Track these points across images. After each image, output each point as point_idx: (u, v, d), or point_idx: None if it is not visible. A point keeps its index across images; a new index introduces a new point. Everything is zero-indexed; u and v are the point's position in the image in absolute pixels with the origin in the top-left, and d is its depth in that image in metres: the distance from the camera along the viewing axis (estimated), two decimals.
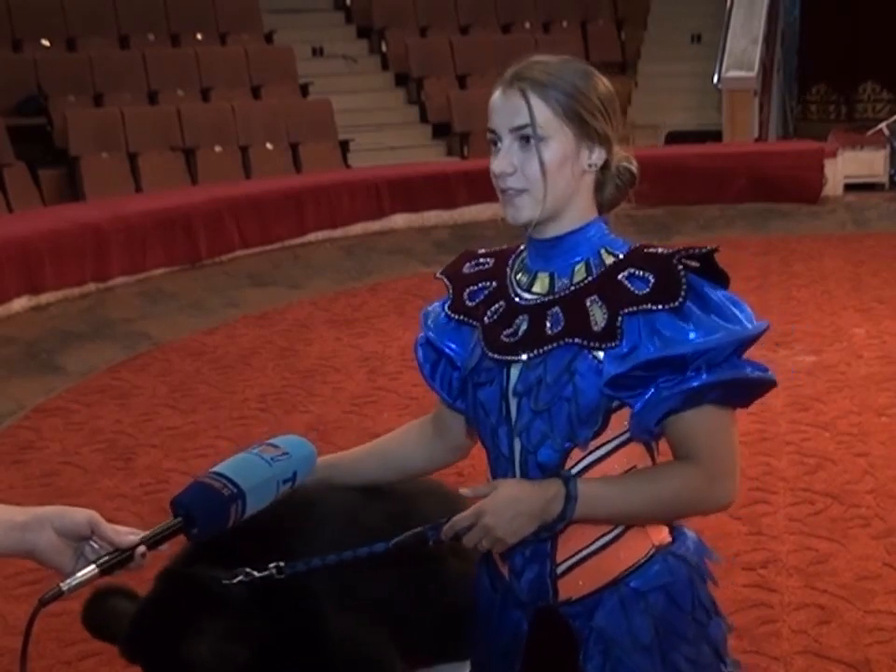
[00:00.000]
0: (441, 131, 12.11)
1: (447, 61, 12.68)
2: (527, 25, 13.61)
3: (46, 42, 11.29)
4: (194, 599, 1.78)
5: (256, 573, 1.75)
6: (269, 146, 10.80)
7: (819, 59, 13.72)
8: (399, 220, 9.83)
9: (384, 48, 13.02)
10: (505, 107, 1.66)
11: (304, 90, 11.98)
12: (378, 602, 1.94)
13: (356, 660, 1.92)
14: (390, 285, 8.37)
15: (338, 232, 9.47)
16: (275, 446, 1.77)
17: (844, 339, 6.50)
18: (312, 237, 9.28)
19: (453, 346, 1.82)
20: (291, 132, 10.96)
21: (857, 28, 13.47)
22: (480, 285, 1.80)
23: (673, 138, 12.39)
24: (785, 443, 4.90)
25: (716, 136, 12.03)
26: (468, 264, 1.86)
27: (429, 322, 1.87)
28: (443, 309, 1.85)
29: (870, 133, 11.53)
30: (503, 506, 1.60)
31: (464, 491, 1.67)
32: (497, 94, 1.68)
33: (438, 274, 1.89)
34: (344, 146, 11.21)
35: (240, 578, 1.75)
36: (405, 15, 13.18)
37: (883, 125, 11.45)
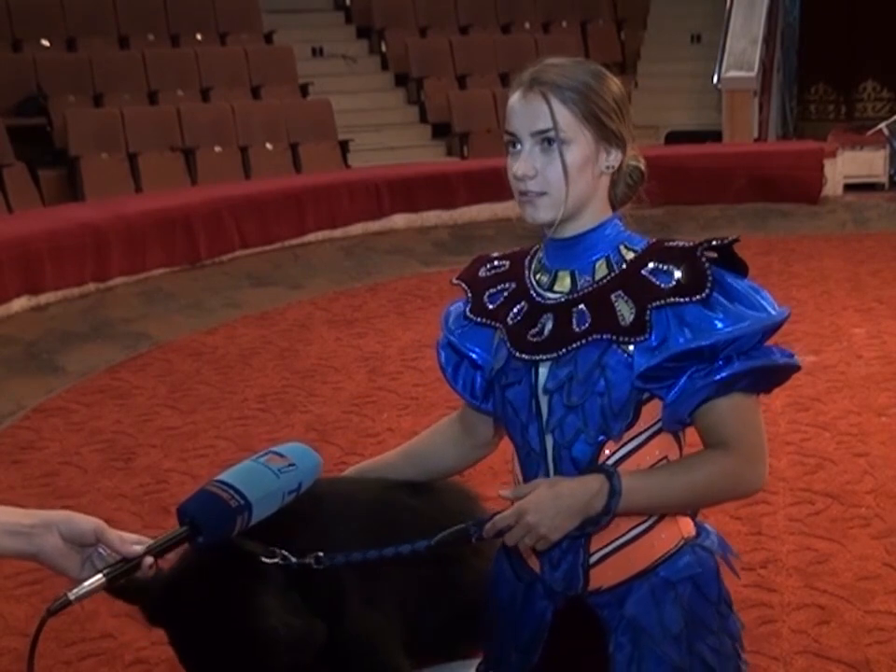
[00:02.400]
0: (441, 131, 12.12)
1: (447, 61, 12.68)
2: (527, 25, 13.61)
3: (46, 42, 11.29)
4: (244, 572, 1.72)
5: (293, 558, 1.73)
6: (269, 146, 10.79)
7: (818, 59, 13.70)
8: (399, 220, 9.83)
9: (383, 48, 13.02)
10: (526, 111, 1.66)
11: (304, 90, 11.97)
12: (399, 601, 1.93)
13: (366, 656, 1.91)
14: (390, 285, 8.37)
15: (338, 232, 9.47)
16: (281, 455, 1.75)
17: (844, 339, 6.50)
18: (312, 237, 9.28)
19: (475, 349, 1.84)
20: (291, 132, 10.95)
21: (857, 28, 13.46)
22: (499, 287, 1.82)
23: (673, 138, 12.38)
24: (785, 443, 4.89)
25: (716, 136, 12.03)
26: (483, 268, 1.88)
27: (450, 324, 1.89)
28: (464, 312, 1.86)
29: (870, 133, 11.51)
30: (545, 504, 1.62)
31: (503, 493, 1.67)
32: (515, 97, 1.68)
33: (454, 280, 1.90)
34: (344, 146, 11.21)
35: (276, 560, 1.73)
36: (405, 15, 13.17)
37: (883, 125, 11.43)
